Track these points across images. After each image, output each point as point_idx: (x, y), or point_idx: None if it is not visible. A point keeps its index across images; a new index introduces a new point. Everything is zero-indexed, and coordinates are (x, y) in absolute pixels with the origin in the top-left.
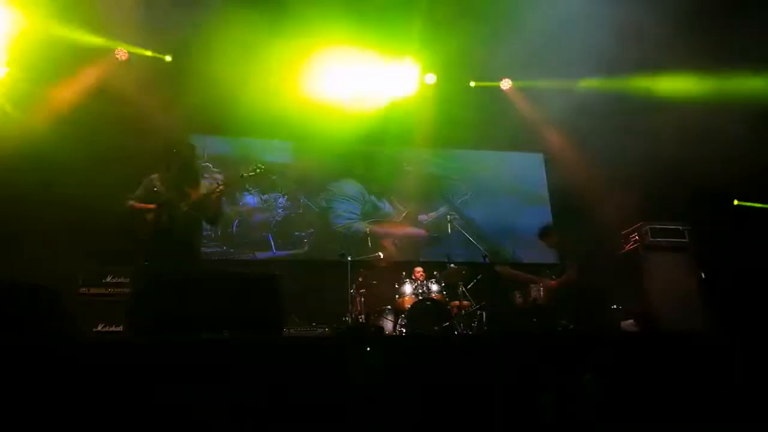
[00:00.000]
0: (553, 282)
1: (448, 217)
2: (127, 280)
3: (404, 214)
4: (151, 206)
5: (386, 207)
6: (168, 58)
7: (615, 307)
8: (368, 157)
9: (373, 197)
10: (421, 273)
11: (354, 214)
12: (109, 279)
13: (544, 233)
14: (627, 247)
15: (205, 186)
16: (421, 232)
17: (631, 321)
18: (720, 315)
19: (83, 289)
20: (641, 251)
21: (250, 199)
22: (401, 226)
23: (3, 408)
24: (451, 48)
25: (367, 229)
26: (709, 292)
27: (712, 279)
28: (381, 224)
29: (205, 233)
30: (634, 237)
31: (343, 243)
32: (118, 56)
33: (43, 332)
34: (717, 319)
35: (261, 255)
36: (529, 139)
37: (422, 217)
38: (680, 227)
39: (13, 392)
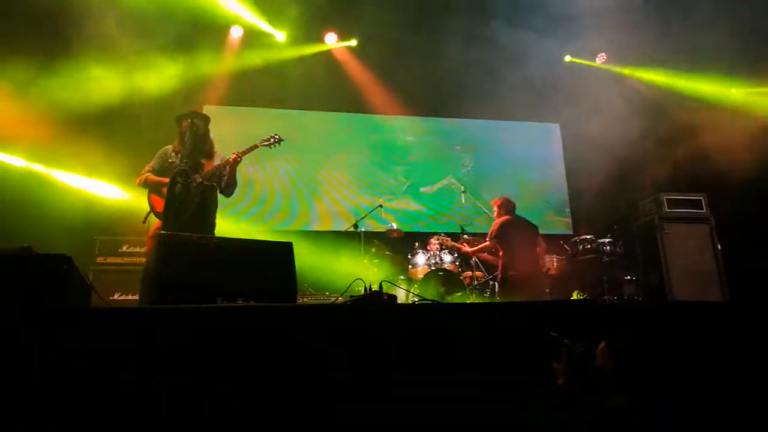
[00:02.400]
0: (467, 247)
1: (462, 187)
2: (143, 249)
3: (405, 186)
4: (166, 180)
5: (389, 179)
6: None
7: (629, 278)
8: (371, 126)
9: (377, 169)
10: (437, 245)
11: (358, 186)
12: (125, 248)
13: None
14: (643, 219)
15: (219, 156)
16: (421, 208)
17: None
18: (738, 286)
19: (100, 258)
20: (657, 222)
21: (253, 169)
22: (402, 200)
23: (19, 377)
24: None
25: (372, 201)
26: (727, 263)
27: (730, 250)
28: (385, 197)
29: None
30: (651, 208)
31: (351, 214)
32: None
33: (62, 300)
34: (735, 290)
35: (263, 225)
36: (544, 109)
37: (424, 189)
38: (698, 197)
39: (29, 361)
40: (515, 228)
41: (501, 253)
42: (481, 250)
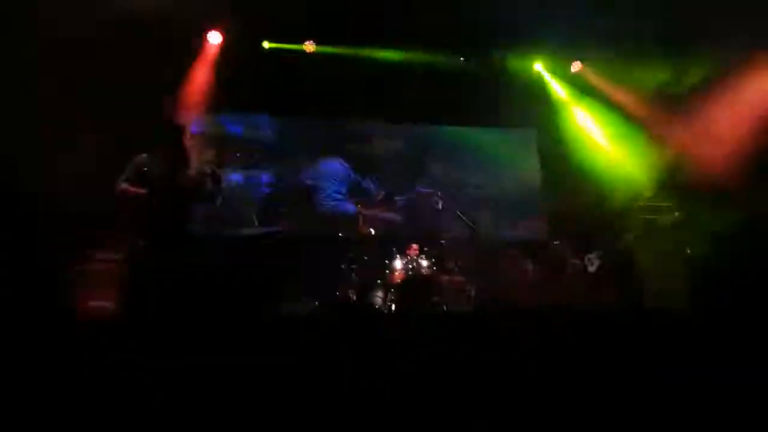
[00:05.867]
0: None
1: (438, 193)
2: (117, 256)
3: (382, 194)
4: (142, 191)
5: (370, 186)
6: None
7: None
8: (354, 134)
9: (357, 176)
10: (416, 249)
11: (340, 194)
12: (99, 256)
13: None
14: (617, 224)
15: (195, 164)
16: (396, 216)
17: None
18: (706, 295)
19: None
20: (629, 229)
21: (234, 176)
22: (378, 208)
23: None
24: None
25: (355, 209)
26: (695, 270)
27: (698, 257)
28: (363, 204)
29: None
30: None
31: (330, 220)
32: None
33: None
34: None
35: (245, 231)
36: (520, 114)
37: (398, 198)
38: (667, 204)
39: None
40: None
41: None
42: None
